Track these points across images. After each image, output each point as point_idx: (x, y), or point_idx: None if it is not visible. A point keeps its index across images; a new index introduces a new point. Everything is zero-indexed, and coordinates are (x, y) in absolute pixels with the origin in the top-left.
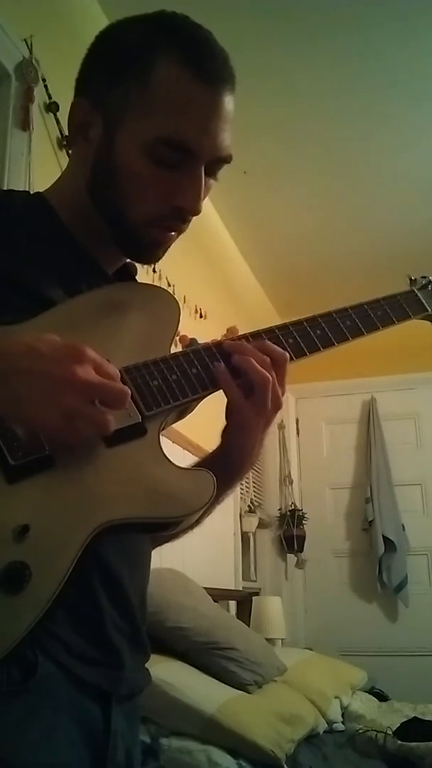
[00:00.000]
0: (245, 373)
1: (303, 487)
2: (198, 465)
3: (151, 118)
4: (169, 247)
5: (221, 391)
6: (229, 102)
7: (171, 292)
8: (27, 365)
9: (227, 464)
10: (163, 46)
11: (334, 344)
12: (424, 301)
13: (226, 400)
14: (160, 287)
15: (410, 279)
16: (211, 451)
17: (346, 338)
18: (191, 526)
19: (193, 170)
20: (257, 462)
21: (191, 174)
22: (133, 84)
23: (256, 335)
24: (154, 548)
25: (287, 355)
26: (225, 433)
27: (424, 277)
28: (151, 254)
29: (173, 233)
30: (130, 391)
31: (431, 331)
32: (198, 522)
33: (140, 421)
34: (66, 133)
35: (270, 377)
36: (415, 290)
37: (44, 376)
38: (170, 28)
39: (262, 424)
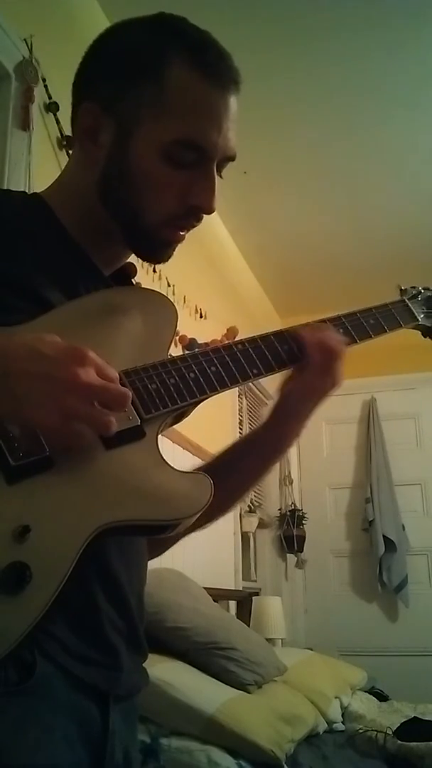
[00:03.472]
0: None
1: (303, 487)
2: (240, 441)
3: (168, 121)
4: (177, 245)
5: (222, 393)
6: (234, 102)
7: (170, 294)
8: (28, 367)
9: (274, 436)
10: (173, 49)
11: None
12: (414, 310)
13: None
14: (158, 291)
15: (401, 289)
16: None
17: None
18: (200, 526)
19: (207, 169)
20: None
21: (206, 173)
22: (147, 88)
23: (251, 341)
24: (155, 557)
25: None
26: (281, 402)
27: (413, 287)
28: (163, 254)
29: (184, 232)
30: (131, 394)
31: None
32: (210, 521)
33: (139, 424)
34: (66, 133)
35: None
36: (406, 300)
37: (45, 378)
38: (176, 30)
39: (319, 393)
